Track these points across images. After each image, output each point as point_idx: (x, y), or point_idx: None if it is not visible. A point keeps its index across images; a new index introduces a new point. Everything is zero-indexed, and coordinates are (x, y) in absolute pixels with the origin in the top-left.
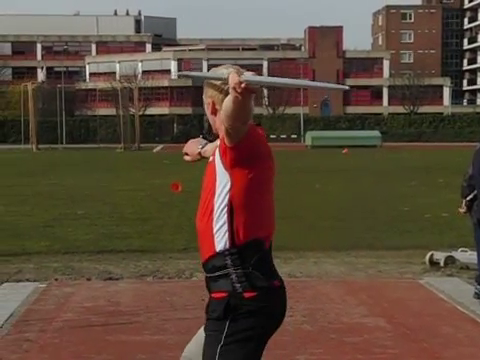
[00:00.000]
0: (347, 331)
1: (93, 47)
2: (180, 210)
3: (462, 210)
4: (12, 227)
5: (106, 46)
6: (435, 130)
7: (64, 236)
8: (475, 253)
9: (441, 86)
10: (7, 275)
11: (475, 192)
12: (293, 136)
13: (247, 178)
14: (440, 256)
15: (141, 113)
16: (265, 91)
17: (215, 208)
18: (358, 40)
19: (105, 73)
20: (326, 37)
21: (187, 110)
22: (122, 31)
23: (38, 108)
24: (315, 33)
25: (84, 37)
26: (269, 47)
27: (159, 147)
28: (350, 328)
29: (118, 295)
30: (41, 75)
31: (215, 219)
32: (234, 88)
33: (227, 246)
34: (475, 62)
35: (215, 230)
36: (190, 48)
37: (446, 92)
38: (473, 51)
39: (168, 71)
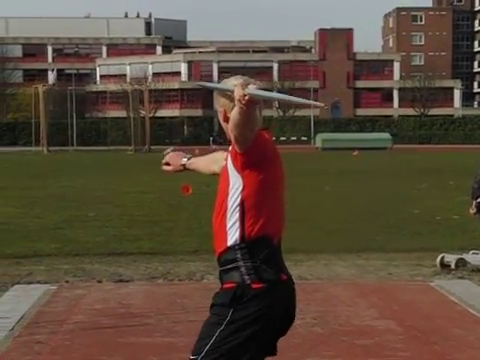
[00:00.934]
0: (358, 334)
1: (104, 49)
2: (190, 212)
3: (472, 211)
4: (23, 229)
5: (117, 48)
6: (445, 132)
7: (75, 238)
8: None
9: (452, 88)
10: (18, 277)
11: None
12: (303, 138)
13: (258, 180)
14: (451, 258)
15: (151, 115)
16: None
17: (228, 207)
18: (369, 42)
19: (116, 75)
20: (336, 39)
21: (197, 112)
22: (133, 33)
23: (49, 110)
24: (325, 35)
25: (95, 39)
26: (279, 49)
27: (169, 149)
28: (361, 331)
29: (129, 297)
30: (51, 77)
31: (228, 217)
32: (239, 100)
33: (238, 241)
34: None
35: (228, 227)
36: (200, 50)
37: (457, 94)
38: None
39: (178, 73)
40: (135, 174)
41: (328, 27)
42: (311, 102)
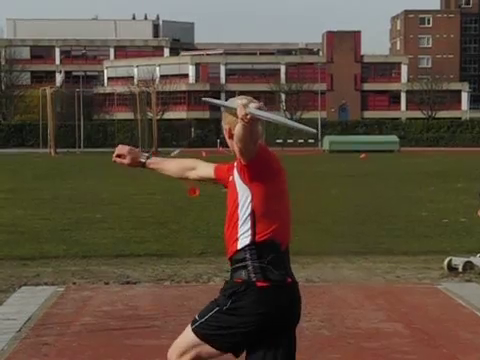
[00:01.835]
0: (365, 336)
1: (111, 51)
2: (197, 214)
3: None
4: (30, 231)
5: (124, 50)
6: (453, 135)
7: (82, 240)
8: None
9: (459, 91)
10: (25, 279)
11: None
12: (310, 141)
13: (265, 189)
14: (458, 261)
15: (159, 117)
16: (283, 96)
17: (240, 217)
18: (376, 45)
19: (123, 77)
20: (344, 42)
21: (205, 115)
22: (140, 35)
23: (56, 112)
24: (333, 38)
25: (102, 41)
26: (287, 52)
27: (176, 151)
28: (368, 333)
29: (136, 299)
30: (59, 79)
31: (240, 226)
32: (242, 118)
33: (248, 243)
34: None
35: (239, 234)
36: (208, 52)
37: (464, 97)
38: None
39: (186, 75)
40: (142, 176)
41: (336, 29)
42: (304, 127)
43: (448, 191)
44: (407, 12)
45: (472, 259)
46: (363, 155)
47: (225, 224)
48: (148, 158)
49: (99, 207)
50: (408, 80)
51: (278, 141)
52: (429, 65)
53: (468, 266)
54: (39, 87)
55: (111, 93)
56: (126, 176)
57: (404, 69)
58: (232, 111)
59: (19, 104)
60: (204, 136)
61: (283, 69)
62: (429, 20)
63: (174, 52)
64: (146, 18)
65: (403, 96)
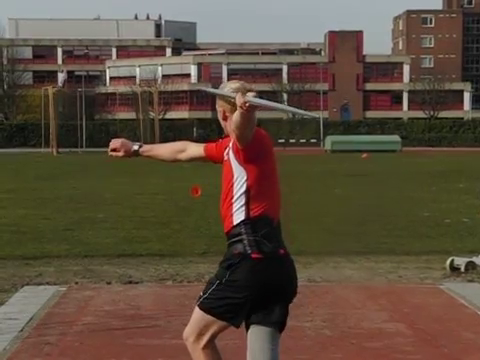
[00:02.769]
0: (367, 336)
1: (113, 51)
2: (199, 214)
3: None
4: (32, 230)
5: (126, 50)
6: (455, 135)
7: (84, 240)
8: None
9: (461, 91)
10: (28, 278)
11: None
12: (313, 140)
13: (259, 170)
14: (461, 261)
15: (161, 117)
16: (285, 96)
17: (234, 195)
18: (378, 44)
19: (125, 77)
20: (346, 41)
21: (207, 114)
22: (142, 35)
23: (58, 112)
24: (335, 37)
25: (104, 41)
26: (289, 51)
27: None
28: (370, 333)
29: (138, 299)
30: (60, 78)
31: (234, 203)
32: (241, 106)
33: (242, 219)
34: None
35: (234, 210)
36: (210, 52)
37: (466, 97)
38: None
39: (188, 75)
40: (144, 176)
41: (338, 29)
42: (305, 113)
43: (450, 191)
44: (409, 12)
45: (474, 259)
46: (365, 155)
47: (220, 201)
48: (140, 147)
49: (101, 207)
50: (410, 80)
51: (280, 141)
52: (431, 65)
53: (470, 266)
54: (41, 87)
55: (113, 93)
56: (128, 176)
57: (406, 69)
58: (227, 99)
59: (21, 104)
60: (206, 136)
61: (285, 69)
62: (431, 20)
63: (176, 52)
64: (148, 18)
65: (405, 96)
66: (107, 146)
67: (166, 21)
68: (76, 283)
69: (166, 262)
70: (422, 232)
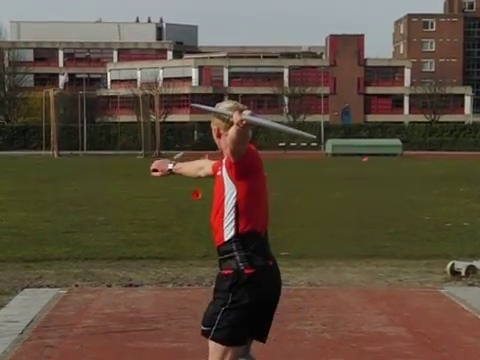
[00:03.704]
0: (367, 340)
1: (115, 54)
2: (200, 217)
3: None
4: (33, 233)
5: (128, 53)
6: (456, 139)
7: (85, 242)
8: None
9: (462, 95)
10: (28, 281)
11: None
12: (313, 144)
13: (249, 186)
14: (461, 265)
15: (162, 120)
16: (286, 99)
17: (225, 210)
18: (379, 48)
19: (126, 80)
20: (347, 45)
21: (208, 117)
22: (144, 38)
23: (59, 114)
24: (336, 41)
25: (106, 44)
26: (290, 55)
27: (179, 154)
28: (370, 337)
29: (138, 302)
30: (61, 81)
31: (225, 217)
32: (237, 124)
33: (233, 235)
34: None
35: (225, 225)
36: (211, 55)
37: (467, 101)
38: None
39: (189, 78)
40: (145, 179)
41: (339, 33)
42: (302, 133)
43: (451, 195)
44: (410, 16)
45: (475, 263)
46: (366, 158)
47: (211, 214)
48: (174, 165)
49: (102, 209)
50: (411, 84)
51: (281, 145)
52: (432, 69)
53: (471, 270)
54: (42, 89)
55: (114, 96)
56: (129, 179)
57: (407, 73)
58: (222, 117)
59: (22, 106)
60: (207, 139)
61: (286, 72)
62: (432, 24)
63: (177, 55)
64: (149, 21)
65: (406, 100)
66: (108, 149)
67: (167, 24)
68: (76, 286)
69: (166, 265)
70: (423, 236)
